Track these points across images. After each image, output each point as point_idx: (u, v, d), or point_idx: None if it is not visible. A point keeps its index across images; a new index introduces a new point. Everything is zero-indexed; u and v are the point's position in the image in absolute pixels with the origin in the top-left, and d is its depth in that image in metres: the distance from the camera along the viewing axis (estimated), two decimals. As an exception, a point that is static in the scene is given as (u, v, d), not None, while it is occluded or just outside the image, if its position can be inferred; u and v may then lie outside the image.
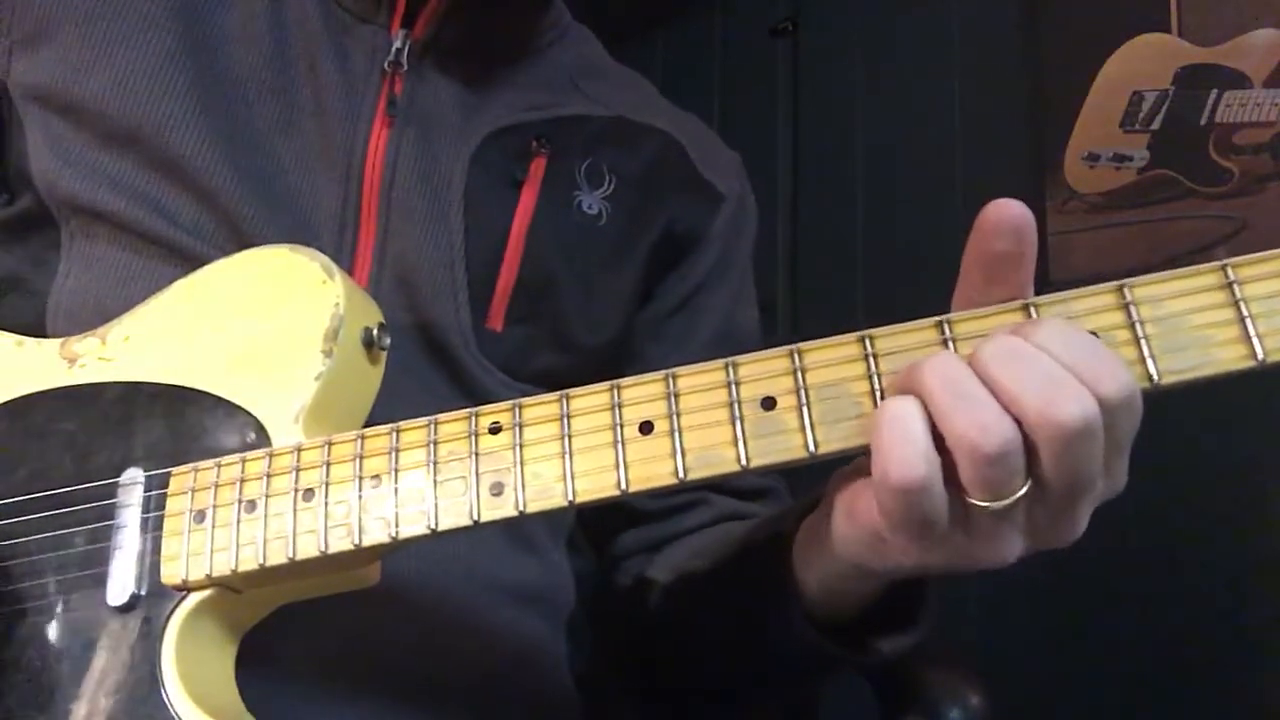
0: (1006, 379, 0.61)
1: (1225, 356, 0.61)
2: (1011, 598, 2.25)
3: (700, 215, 1.21)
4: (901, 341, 0.66)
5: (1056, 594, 2.21)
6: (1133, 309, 0.63)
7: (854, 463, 0.72)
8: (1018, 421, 0.61)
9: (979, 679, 1.13)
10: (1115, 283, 0.63)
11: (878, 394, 0.66)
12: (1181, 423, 2.11)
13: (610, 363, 1.12)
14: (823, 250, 2.82)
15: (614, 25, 1.31)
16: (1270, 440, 2.06)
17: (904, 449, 0.62)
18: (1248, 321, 0.61)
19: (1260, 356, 0.61)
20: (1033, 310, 0.64)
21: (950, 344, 0.65)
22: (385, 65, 1.07)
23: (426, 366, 1.03)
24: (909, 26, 2.77)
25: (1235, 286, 0.61)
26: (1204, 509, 2.11)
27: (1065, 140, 2.42)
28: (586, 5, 1.26)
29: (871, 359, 0.67)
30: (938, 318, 0.66)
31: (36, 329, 0.97)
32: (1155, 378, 0.62)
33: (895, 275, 2.60)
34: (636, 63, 1.31)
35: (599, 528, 1.18)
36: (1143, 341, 0.62)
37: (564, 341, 1.09)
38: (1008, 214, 0.66)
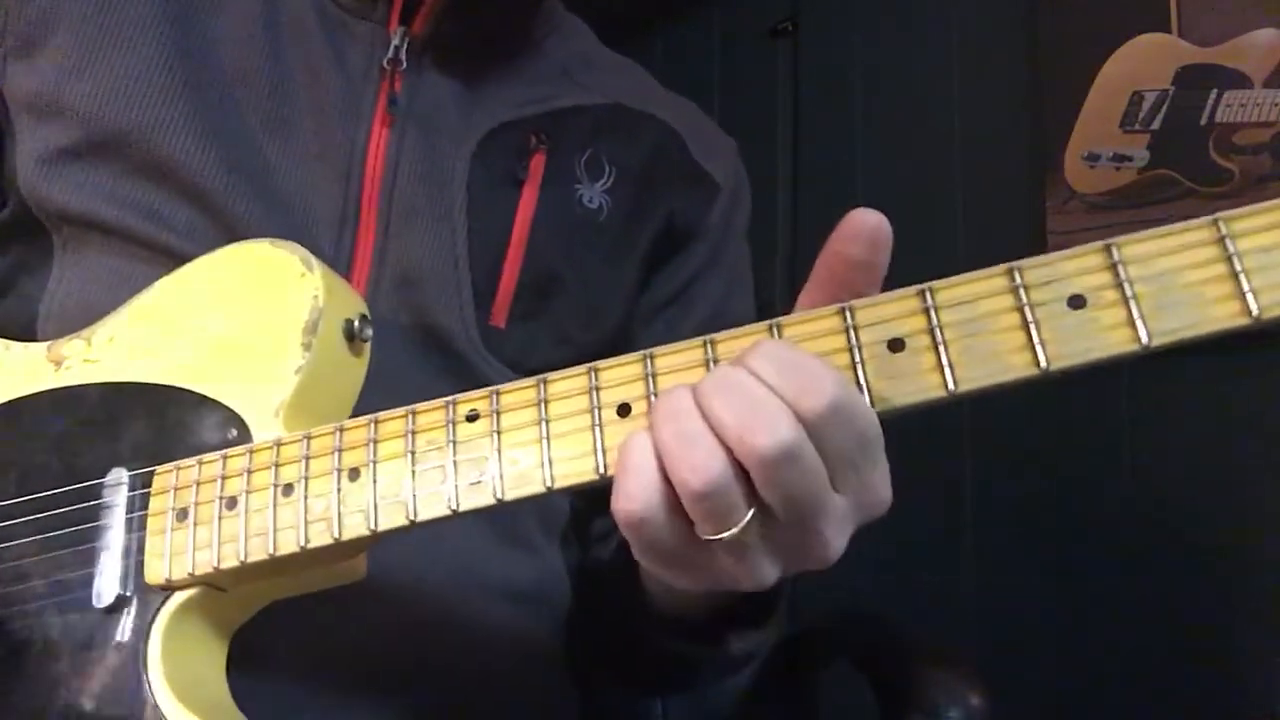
0: (716, 409, 0.61)
1: (1219, 314, 0.59)
2: (1011, 598, 2.24)
3: (698, 207, 1.21)
4: (883, 312, 0.65)
5: (1057, 594, 2.21)
6: (1121, 268, 0.61)
7: None
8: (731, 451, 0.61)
9: (979, 679, 1.12)
10: (1102, 242, 0.62)
11: (859, 367, 0.65)
12: (1181, 422, 2.10)
13: (612, 354, 1.11)
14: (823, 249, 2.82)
15: (614, 25, 1.31)
16: (1270, 440, 2.05)
17: (628, 482, 0.63)
18: (1241, 277, 0.59)
19: (1255, 313, 0.58)
20: (1017, 274, 0.62)
21: (932, 312, 0.63)
22: (384, 63, 1.06)
23: (430, 366, 1.03)
24: (909, 26, 2.77)
25: (1228, 241, 0.59)
26: (1205, 508, 2.10)
27: (1065, 140, 2.42)
28: (586, 5, 1.26)
29: (852, 331, 0.65)
30: (920, 286, 0.64)
31: (27, 335, 0.96)
32: (1146, 340, 0.60)
33: (894, 275, 2.58)
34: (636, 62, 1.31)
35: (580, 514, 1.18)
36: (1131, 302, 0.60)
37: (568, 337, 1.09)
38: (867, 222, 0.67)
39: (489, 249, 1.05)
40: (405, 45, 1.07)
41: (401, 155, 1.04)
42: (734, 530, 0.62)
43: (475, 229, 1.05)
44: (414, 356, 1.01)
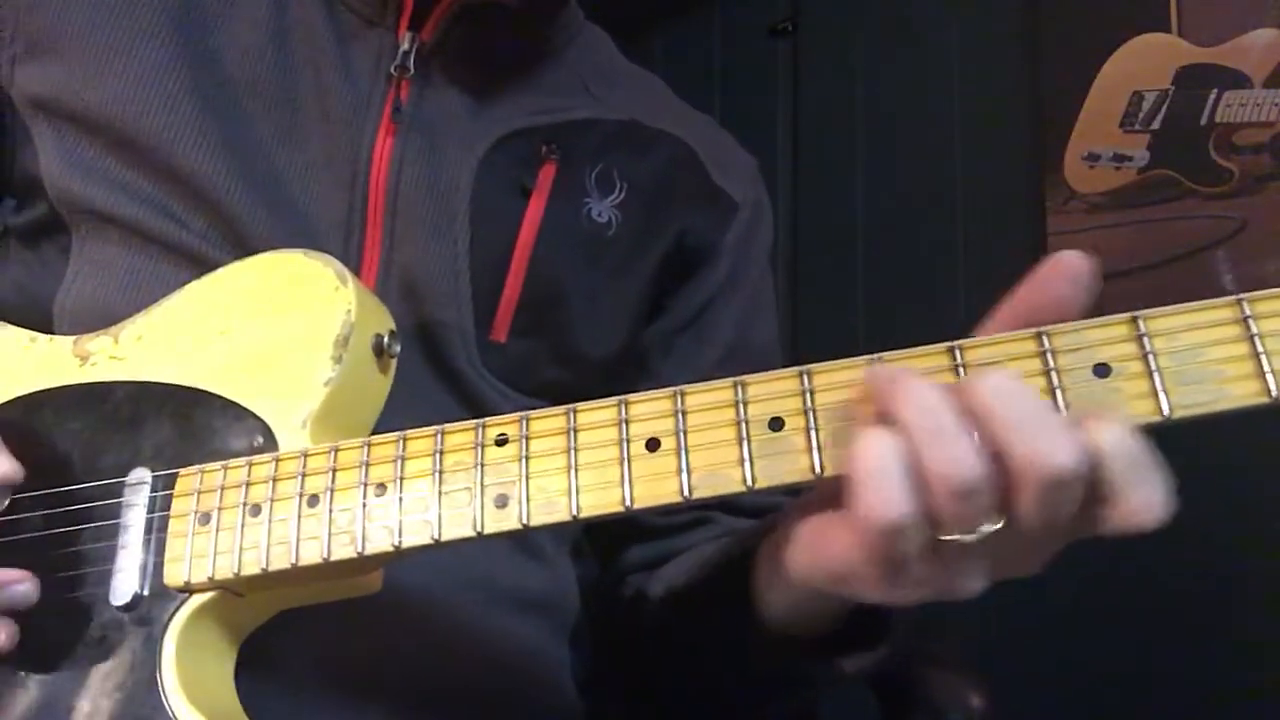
0: (999, 415, 0.60)
1: (1239, 393, 0.60)
2: (1012, 599, 2.25)
3: (712, 226, 1.19)
4: (912, 366, 0.65)
5: (1058, 595, 2.22)
6: (1146, 340, 0.62)
7: (814, 492, 0.72)
8: (1001, 458, 0.61)
9: (979, 679, 1.13)
10: (1129, 314, 0.63)
11: None
12: (1183, 429, 2.11)
13: (616, 376, 1.10)
14: (823, 250, 2.82)
15: (614, 25, 1.30)
16: (1270, 441, 2.06)
17: (885, 487, 0.61)
18: (1263, 358, 0.60)
19: (1275, 394, 0.60)
20: (1045, 339, 0.63)
21: (961, 370, 0.64)
22: (391, 70, 1.06)
23: (428, 376, 1.02)
24: (909, 27, 2.77)
25: (1251, 321, 0.61)
26: (1205, 511, 2.11)
27: (1065, 140, 2.43)
28: (587, 5, 1.25)
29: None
30: (949, 344, 0.65)
31: (42, 333, 0.96)
32: (1167, 412, 0.61)
33: (895, 275, 2.60)
34: (636, 63, 1.30)
35: (606, 539, 1.17)
36: (1155, 374, 0.61)
37: (569, 354, 1.08)
38: (1081, 266, 0.66)
39: (491, 259, 1.04)
40: (414, 52, 1.06)
41: (405, 163, 1.04)
42: (978, 535, 0.62)
43: (478, 240, 1.04)
44: (414, 366, 1.00)
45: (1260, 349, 0.60)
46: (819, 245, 2.84)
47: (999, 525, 0.62)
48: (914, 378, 0.63)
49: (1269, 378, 0.60)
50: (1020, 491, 0.61)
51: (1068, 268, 0.66)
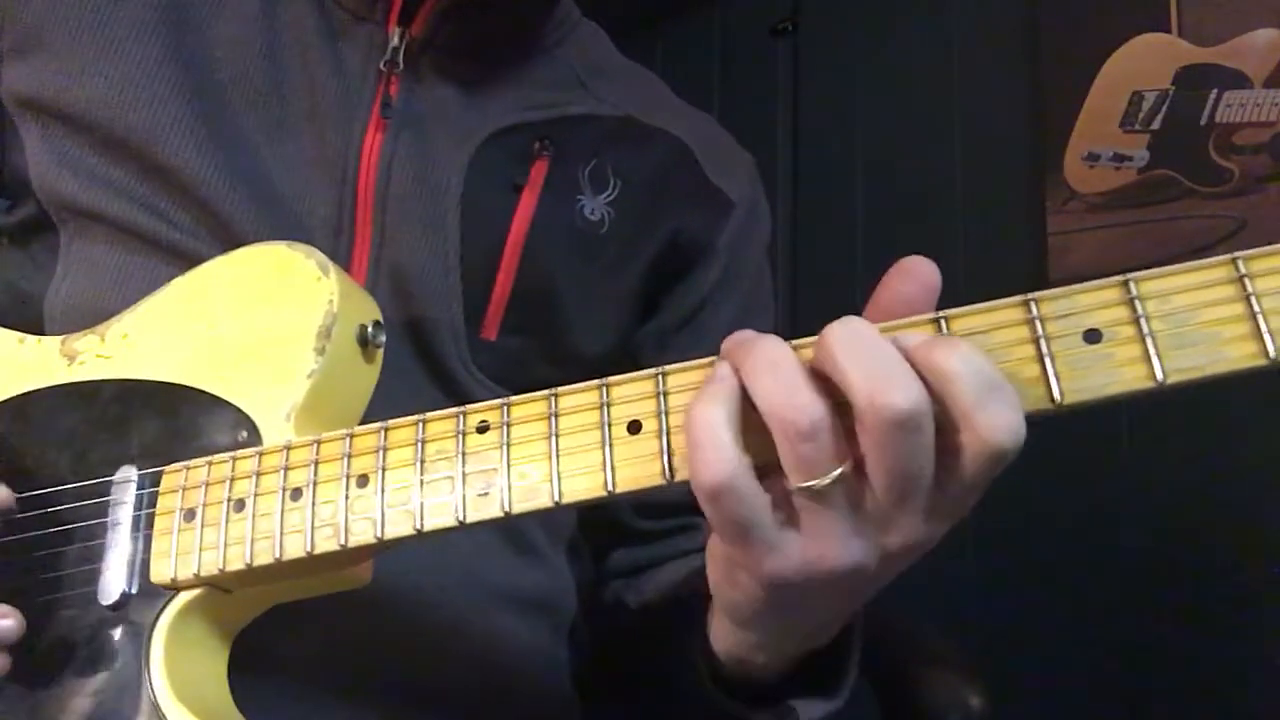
0: (840, 360, 0.60)
1: (1235, 354, 0.58)
2: (1013, 598, 2.24)
3: (707, 225, 1.17)
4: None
5: (1058, 595, 2.21)
6: (1138, 304, 0.60)
7: None
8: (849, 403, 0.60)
9: (979, 679, 1.12)
10: (1120, 276, 0.61)
11: None
12: (1182, 423, 2.10)
13: (609, 375, 1.09)
14: (823, 250, 2.82)
15: (614, 24, 1.30)
16: (1270, 440, 2.06)
17: (704, 453, 0.61)
18: (1259, 318, 0.58)
19: (1272, 354, 0.58)
20: (1033, 306, 0.62)
21: None
22: (381, 65, 1.05)
23: (419, 373, 1.02)
24: (909, 26, 2.77)
25: (1246, 280, 0.59)
26: (1205, 509, 2.11)
27: (1065, 140, 2.43)
28: (586, 4, 1.25)
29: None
30: (934, 314, 0.64)
31: (35, 332, 0.96)
32: (1161, 377, 0.59)
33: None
34: (636, 62, 1.30)
35: (595, 539, 1.17)
36: (1148, 338, 0.59)
37: (560, 352, 1.07)
38: (921, 269, 0.67)
39: (482, 256, 1.04)
40: (403, 48, 1.06)
41: (395, 160, 1.03)
42: (830, 479, 0.61)
43: (469, 236, 1.03)
44: (405, 363, 1.00)
45: (1257, 309, 0.58)
46: (819, 244, 2.84)
47: (845, 469, 0.61)
48: (761, 337, 0.64)
49: (1267, 338, 0.58)
50: (865, 435, 0.60)
51: (914, 272, 0.67)
